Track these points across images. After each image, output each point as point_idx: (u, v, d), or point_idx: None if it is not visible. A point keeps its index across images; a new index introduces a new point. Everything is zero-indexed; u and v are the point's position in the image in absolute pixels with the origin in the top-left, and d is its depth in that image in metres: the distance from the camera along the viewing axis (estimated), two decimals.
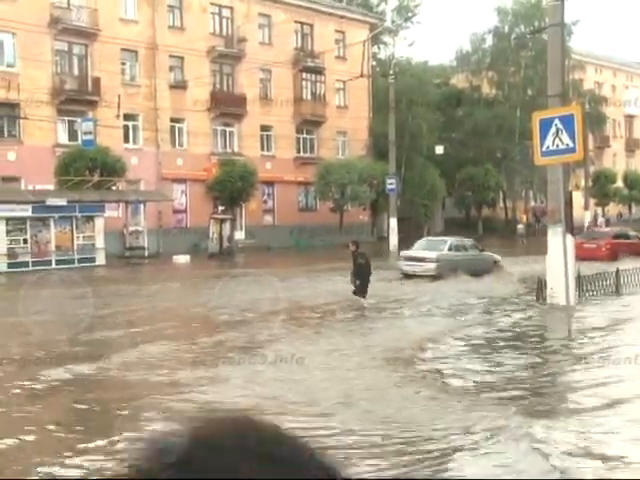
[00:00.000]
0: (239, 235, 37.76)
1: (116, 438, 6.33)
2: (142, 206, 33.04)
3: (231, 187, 35.40)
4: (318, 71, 42.57)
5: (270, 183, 40.64)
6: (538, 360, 10.19)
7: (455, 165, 47.66)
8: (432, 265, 21.42)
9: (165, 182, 36.15)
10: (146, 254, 32.07)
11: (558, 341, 11.27)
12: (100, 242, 28.92)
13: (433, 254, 21.75)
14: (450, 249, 22.45)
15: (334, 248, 30.41)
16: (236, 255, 33.53)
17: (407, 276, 21.61)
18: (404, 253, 22.96)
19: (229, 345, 11.27)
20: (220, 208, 36.36)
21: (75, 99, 33.27)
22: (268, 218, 41.23)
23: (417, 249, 22.86)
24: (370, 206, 42.76)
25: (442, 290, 18.43)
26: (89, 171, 30.49)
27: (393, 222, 38.20)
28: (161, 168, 36.10)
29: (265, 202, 41.02)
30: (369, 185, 40.02)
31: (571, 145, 11.57)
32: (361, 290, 15.51)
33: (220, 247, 33.54)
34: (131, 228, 32.78)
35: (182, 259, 30.40)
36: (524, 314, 14.64)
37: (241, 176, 35.52)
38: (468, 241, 23.77)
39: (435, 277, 20.96)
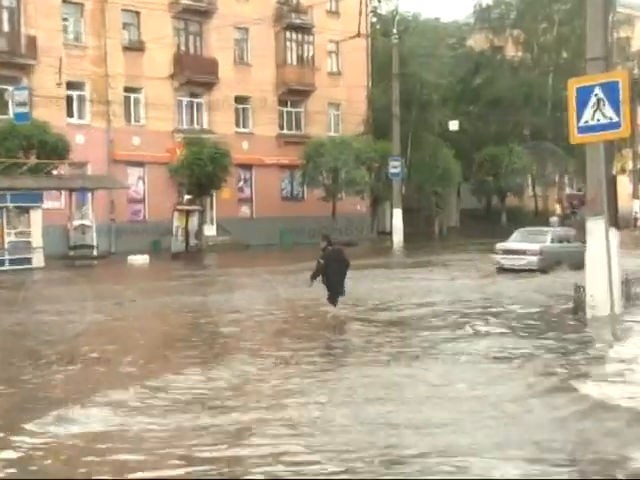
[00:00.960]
0: (210, 230, 37.73)
1: None
2: (90, 195, 32.97)
3: (199, 172, 35.28)
4: (306, 30, 42.52)
5: (247, 166, 40.65)
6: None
7: (473, 144, 47.79)
8: (534, 258, 23.23)
9: (118, 165, 36.06)
10: (95, 254, 31.98)
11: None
12: (37, 240, 28.76)
13: (535, 246, 23.59)
14: (553, 240, 24.37)
15: None
16: (206, 255, 33.57)
17: (503, 270, 23.29)
18: (501, 245, 24.42)
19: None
20: (186, 197, 36.45)
21: (5, 62, 33.06)
22: (245, 209, 41.22)
23: (516, 241, 24.51)
24: (369, 195, 42.79)
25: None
26: (24, 152, 30.48)
27: (397, 214, 38.27)
28: (113, 148, 35.99)
29: (241, 190, 41.02)
30: (368, 169, 40.03)
31: (615, 119, 11.57)
32: (331, 295, 15.74)
33: (186, 245, 33.72)
34: (76, 222, 32.61)
35: (139, 260, 30.31)
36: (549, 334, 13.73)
37: (212, 158, 35.42)
38: (571, 231, 25.76)
39: (537, 271, 22.50)
